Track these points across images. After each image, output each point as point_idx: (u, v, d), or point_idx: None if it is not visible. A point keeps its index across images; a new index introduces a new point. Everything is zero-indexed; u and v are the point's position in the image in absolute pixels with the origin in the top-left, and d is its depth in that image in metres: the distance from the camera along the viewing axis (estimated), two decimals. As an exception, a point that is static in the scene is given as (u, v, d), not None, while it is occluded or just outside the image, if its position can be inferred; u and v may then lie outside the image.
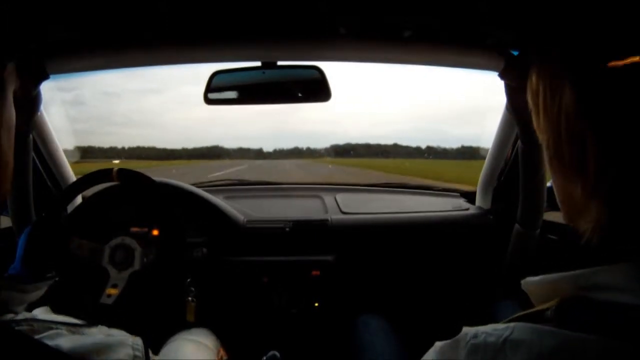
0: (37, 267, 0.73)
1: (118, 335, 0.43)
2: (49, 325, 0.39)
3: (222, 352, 0.87)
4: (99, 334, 0.42)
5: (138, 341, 0.44)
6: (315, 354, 1.12)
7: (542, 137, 0.34)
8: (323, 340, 1.13)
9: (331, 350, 1.11)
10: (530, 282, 0.34)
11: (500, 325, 0.31)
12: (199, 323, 0.95)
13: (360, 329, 0.97)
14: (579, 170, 0.30)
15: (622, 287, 0.27)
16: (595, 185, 0.29)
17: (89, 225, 0.97)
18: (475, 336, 0.31)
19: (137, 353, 0.42)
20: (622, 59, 0.28)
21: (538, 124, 0.34)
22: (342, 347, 1.02)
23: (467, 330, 0.33)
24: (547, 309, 0.31)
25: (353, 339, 0.96)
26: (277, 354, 0.85)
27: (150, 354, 0.45)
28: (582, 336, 0.27)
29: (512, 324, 0.30)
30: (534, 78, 0.34)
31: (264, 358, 0.85)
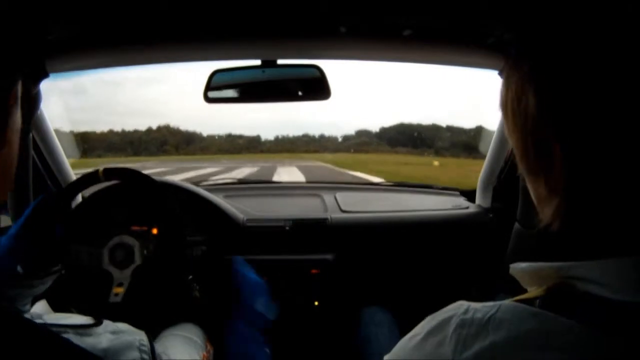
0: (30, 245, 0.72)
1: (123, 333, 0.43)
2: (56, 329, 0.39)
3: (209, 346, 0.89)
4: (105, 333, 0.42)
5: (144, 339, 0.44)
6: (314, 353, 1.12)
7: (510, 140, 0.36)
8: (323, 339, 1.13)
9: (331, 348, 1.11)
10: (518, 268, 0.35)
11: (489, 303, 0.32)
12: (198, 319, 0.95)
13: (365, 322, 0.97)
14: (542, 170, 0.33)
15: (600, 281, 0.29)
16: (557, 183, 0.32)
17: (87, 227, 0.97)
18: (466, 311, 0.32)
19: (145, 356, 0.43)
20: (584, 67, 0.29)
21: (507, 127, 0.36)
22: (341, 345, 1.02)
23: (460, 303, 0.34)
24: (539, 295, 0.32)
25: (358, 331, 0.97)
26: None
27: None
28: (562, 320, 0.28)
29: (499, 302, 0.31)
30: (503, 83, 0.36)
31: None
